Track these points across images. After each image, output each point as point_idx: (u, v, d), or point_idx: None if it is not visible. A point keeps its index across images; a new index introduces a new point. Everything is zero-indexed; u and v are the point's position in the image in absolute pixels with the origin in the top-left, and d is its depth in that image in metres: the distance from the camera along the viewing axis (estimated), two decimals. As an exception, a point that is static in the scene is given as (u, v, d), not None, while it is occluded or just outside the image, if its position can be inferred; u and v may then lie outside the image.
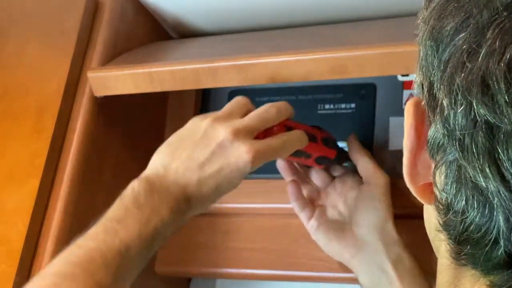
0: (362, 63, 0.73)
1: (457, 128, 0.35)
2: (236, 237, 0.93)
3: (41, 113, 0.87)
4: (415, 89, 0.42)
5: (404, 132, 0.41)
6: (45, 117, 0.87)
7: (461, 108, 0.35)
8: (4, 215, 0.83)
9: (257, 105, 0.77)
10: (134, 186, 0.68)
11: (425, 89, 0.39)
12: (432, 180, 0.40)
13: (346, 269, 0.87)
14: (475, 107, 0.34)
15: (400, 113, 0.91)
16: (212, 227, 0.95)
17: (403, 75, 0.80)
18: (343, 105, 0.92)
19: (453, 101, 0.35)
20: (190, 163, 0.69)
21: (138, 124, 0.97)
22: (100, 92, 0.88)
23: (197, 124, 0.72)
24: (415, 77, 0.42)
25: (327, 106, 0.93)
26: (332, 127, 0.91)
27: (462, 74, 0.34)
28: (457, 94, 0.35)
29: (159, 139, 1.00)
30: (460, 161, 0.36)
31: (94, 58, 0.89)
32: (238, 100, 0.74)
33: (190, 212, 0.69)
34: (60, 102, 0.87)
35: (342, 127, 0.88)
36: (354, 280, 0.87)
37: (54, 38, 0.92)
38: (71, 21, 0.92)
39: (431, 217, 0.45)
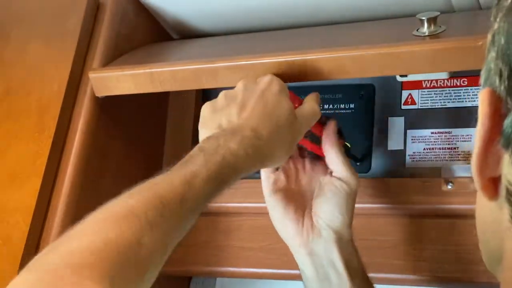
0: (362, 63, 0.73)
1: None
2: (236, 236, 0.94)
3: (42, 113, 0.88)
4: (484, 80, 0.42)
5: (478, 122, 0.40)
6: (47, 117, 0.87)
7: None
8: (5, 214, 0.83)
9: None
10: (200, 141, 0.68)
11: (504, 77, 0.38)
12: (501, 173, 0.40)
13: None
14: None
15: (399, 113, 0.92)
16: (213, 226, 0.95)
17: (402, 76, 0.80)
18: (342, 105, 0.92)
19: None
20: (234, 108, 0.70)
21: (139, 124, 0.98)
22: (101, 92, 0.88)
23: (231, 91, 0.73)
24: (483, 68, 0.42)
25: (326, 106, 0.94)
26: None
27: None
28: None
29: (160, 139, 1.01)
30: None
31: (95, 58, 0.90)
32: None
33: (264, 147, 0.67)
34: (62, 102, 0.87)
35: (341, 128, 0.88)
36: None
37: (55, 39, 0.92)
38: (73, 22, 0.92)
39: (487, 215, 0.45)
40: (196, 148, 0.65)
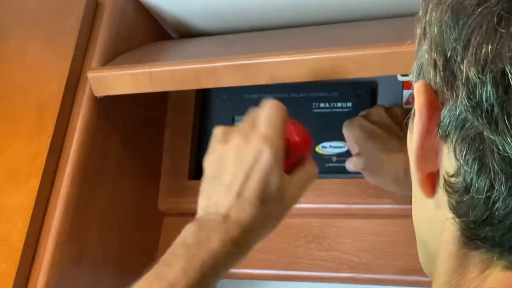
0: (362, 63, 0.73)
1: (484, 99, 0.35)
2: (236, 237, 0.93)
3: (41, 113, 0.87)
4: (416, 75, 0.42)
5: (416, 115, 0.40)
6: (45, 117, 0.87)
7: (490, 76, 0.34)
8: (4, 214, 0.83)
9: (247, 102, 0.80)
10: (185, 229, 0.67)
11: (439, 67, 0.38)
12: (439, 167, 0.40)
13: (346, 269, 0.87)
14: (509, 73, 0.33)
15: (400, 113, 0.91)
16: (212, 227, 0.95)
17: (403, 75, 0.80)
18: (338, 104, 0.92)
19: (480, 70, 0.35)
20: (228, 193, 0.67)
21: (138, 124, 0.97)
22: (100, 92, 0.88)
23: (221, 150, 0.70)
24: (414, 64, 0.42)
25: (321, 105, 0.93)
26: (327, 127, 0.91)
27: (493, 41, 0.34)
28: (485, 62, 0.34)
29: (159, 139, 1.01)
30: (486, 134, 0.35)
31: (94, 58, 0.89)
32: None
33: (247, 240, 0.67)
34: (60, 102, 0.87)
35: (338, 127, 0.88)
36: (354, 280, 0.87)
37: (54, 38, 0.92)
38: (71, 22, 0.92)
39: (424, 213, 0.45)
40: (179, 242, 0.65)
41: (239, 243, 0.66)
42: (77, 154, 0.86)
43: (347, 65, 0.74)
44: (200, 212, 0.68)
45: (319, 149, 0.90)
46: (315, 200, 0.90)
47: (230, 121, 0.98)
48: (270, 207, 0.68)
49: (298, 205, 0.91)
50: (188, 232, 0.66)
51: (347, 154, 0.87)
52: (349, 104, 0.89)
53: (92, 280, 0.89)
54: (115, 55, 0.91)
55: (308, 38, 0.88)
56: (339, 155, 0.90)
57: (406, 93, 0.92)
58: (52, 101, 0.87)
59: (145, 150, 0.99)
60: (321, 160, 0.90)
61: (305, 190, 0.71)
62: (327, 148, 0.91)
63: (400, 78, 0.83)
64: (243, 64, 0.78)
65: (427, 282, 0.83)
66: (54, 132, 0.86)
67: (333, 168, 0.91)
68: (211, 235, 0.64)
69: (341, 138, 0.89)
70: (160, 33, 1.01)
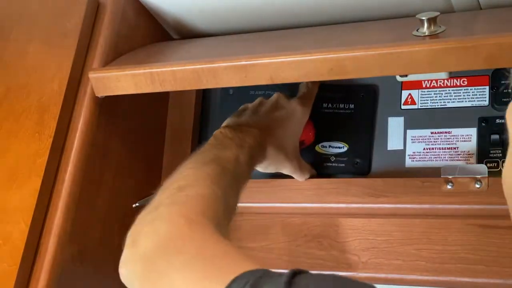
0: (362, 63, 0.73)
1: None
2: (236, 236, 0.94)
3: (42, 113, 0.88)
4: None
5: (510, 135, 0.42)
6: (47, 117, 0.87)
7: None
8: (6, 214, 0.83)
9: (251, 98, 0.90)
10: (219, 131, 0.82)
11: None
12: None
13: (345, 268, 0.88)
14: None
15: (399, 113, 0.92)
16: (213, 226, 0.95)
17: (401, 76, 0.80)
18: (342, 105, 0.93)
19: None
20: (254, 114, 0.86)
21: (138, 124, 0.98)
22: (101, 92, 0.89)
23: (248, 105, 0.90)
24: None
25: (324, 105, 0.94)
26: (329, 127, 0.91)
27: None
28: None
29: (160, 139, 1.01)
30: None
31: (96, 58, 0.90)
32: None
33: (270, 147, 0.84)
34: (62, 102, 0.87)
35: (339, 128, 0.89)
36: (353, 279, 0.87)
37: (55, 39, 0.92)
38: (73, 22, 0.92)
39: None
40: (219, 136, 0.81)
41: (264, 147, 0.84)
42: (78, 153, 0.87)
43: (346, 66, 0.74)
44: (230, 123, 0.85)
45: (319, 148, 0.91)
46: (315, 200, 0.91)
47: None
48: (285, 138, 0.87)
49: (298, 205, 0.92)
50: (225, 130, 0.82)
51: (346, 154, 0.87)
52: (352, 106, 0.90)
53: (93, 279, 0.89)
54: (116, 55, 0.92)
55: (308, 39, 0.88)
56: (337, 155, 0.91)
57: (404, 93, 0.92)
58: (53, 101, 0.88)
59: (145, 150, 0.99)
60: (320, 159, 0.91)
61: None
62: (327, 147, 0.92)
63: (399, 79, 0.83)
64: (243, 65, 0.79)
65: (426, 281, 0.84)
66: (56, 132, 0.86)
67: (331, 167, 0.92)
68: (245, 136, 0.81)
69: (341, 139, 0.90)
70: (161, 34, 1.01)
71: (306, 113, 0.89)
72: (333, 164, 0.91)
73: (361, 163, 0.90)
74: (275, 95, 0.90)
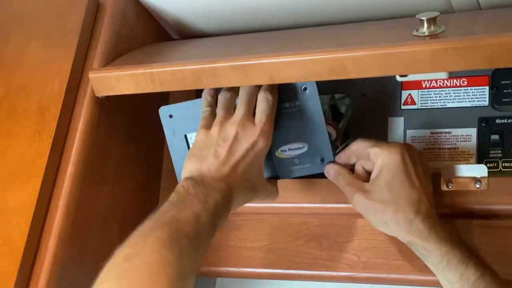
0: (362, 63, 0.73)
1: None
2: (236, 236, 0.94)
3: (43, 113, 0.88)
4: None
5: None
6: (47, 117, 0.87)
7: None
8: (6, 214, 0.83)
9: None
10: (181, 185, 0.75)
11: None
12: None
13: (344, 268, 0.88)
14: None
15: (399, 113, 0.92)
16: (213, 226, 0.95)
17: (401, 76, 0.80)
18: (287, 104, 0.84)
19: None
20: (217, 160, 0.78)
21: (139, 124, 0.98)
22: (101, 93, 0.89)
23: (207, 133, 0.81)
24: None
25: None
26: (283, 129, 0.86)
27: None
28: None
29: (160, 139, 1.01)
30: None
31: (96, 58, 0.90)
32: (222, 97, 0.83)
33: (236, 199, 0.77)
34: (62, 102, 0.87)
35: (293, 129, 0.84)
36: (353, 279, 0.88)
37: (55, 39, 0.92)
38: (73, 22, 0.92)
39: None
40: (180, 192, 0.74)
41: (230, 202, 0.76)
42: (78, 154, 0.87)
43: (346, 66, 0.74)
44: (193, 172, 0.77)
45: (278, 153, 0.84)
46: (314, 200, 0.90)
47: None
48: (251, 185, 0.80)
49: (297, 205, 0.92)
50: (188, 184, 0.75)
51: (308, 153, 0.84)
52: (297, 103, 0.82)
53: (93, 279, 0.89)
54: (116, 55, 0.92)
55: (308, 39, 0.88)
56: (300, 156, 0.84)
57: (404, 93, 0.92)
58: (53, 101, 0.88)
59: (146, 150, 0.99)
60: (284, 164, 0.85)
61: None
62: (287, 151, 0.85)
63: (399, 79, 0.83)
64: (243, 65, 0.79)
65: (425, 281, 0.84)
66: (56, 132, 0.86)
67: (298, 169, 0.85)
68: (211, 192, 0.74)
69: (298, 139, 0.84)
70: (161, 34, 1.01)
71: (269, 137, 0.80)
72: (300, 166, 0.85)
73: (327, 158, 0.84)
74: (239, 117, 0.80)
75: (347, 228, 0.88)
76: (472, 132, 0.88)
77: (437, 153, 0.89)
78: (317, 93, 0.82)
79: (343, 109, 0.99)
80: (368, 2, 0.88)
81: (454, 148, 0.88)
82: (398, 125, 0.91)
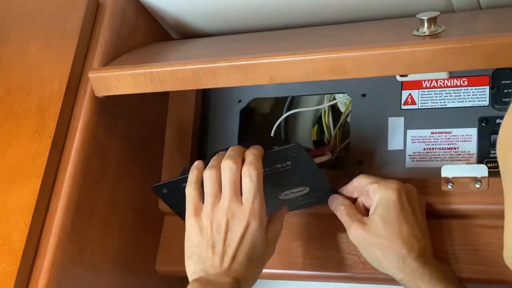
0: (362, 63, 0.73)
1: None
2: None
3: (42, 113, 0.88)
4: None
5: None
6: (47, 117, 0.87)
7: None
8: (5, 214, 0.83)
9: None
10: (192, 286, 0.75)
11: None
12: None
13: (343, 268, 0.87)
14: None
15: (399, 113, 0.92)
16: (213, 226, 0.95)
17: (401, 76, 0.80)
18: (278, 165, 0.83)
19: None
20: (217, 256, 0.77)
21: (138, 124, 0.98)
22: (101, 92, 0.89)
23: (199, 223, 0.79)
24: None
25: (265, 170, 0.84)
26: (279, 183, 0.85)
27: None
28: None
29: (160, 139, 1.01)
30: None
31: (95, 58, 0.90)
32: (206, 177, 0.79)
33: (245, 286, 0.77)
34: (62, 102, 0.87)
35: (288, 179, 0.84)
36: (353, 279, 0.87)
37: (55, 39, 0.92)
38: (73, 22, 0.92)
39: None
40: None
41: None
42: (78, 154, 0.87)
43: (346, 66, 0.74)
44: (199, 273, 0.77)
45: (282, 196, 0.86)
46: (314, 200, 0.90)
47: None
48: (258, 264, 0.79)
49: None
50: (195, 285, 0.75)
51: (311, 193, 0.85)
52: (288, 163, 0.81)
53: (93, 279, 0.89)
54: (116, 55, 0.92)
55: (308, 39, 0.88)
56: (303, 196, 0.86)
57: (404, 93, 0.92)
58: (53, 101, 0.88)
59: (145, 150, 0.99)
60: (289, 203, 0.86)
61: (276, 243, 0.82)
62: (289, 194, 0.86)
63: (399, 79, 0.83)
64: (243, 64, 0.79)
65: (426, 281, 0.83)
66: (55, 132, 0.86)
67: (305, 204, 0.87)
68: None
69: (297, 186, 0.85)
70: (161, 34, 1.01)
71: (261, 213, 0.78)
72: (305, 201, 0.87)
73: (331, 191, 0.85)
74: (226, 205, 0.78)
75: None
76: (473, 132, 0.88)
77: (437, 153, 0.89)
78: (306, 155, 0.81)
79: (343, 109, 0.99)
80: (368, 2, 0.88)
81: (454, 148, 0.88)
82: (398, 125, 0.91)
